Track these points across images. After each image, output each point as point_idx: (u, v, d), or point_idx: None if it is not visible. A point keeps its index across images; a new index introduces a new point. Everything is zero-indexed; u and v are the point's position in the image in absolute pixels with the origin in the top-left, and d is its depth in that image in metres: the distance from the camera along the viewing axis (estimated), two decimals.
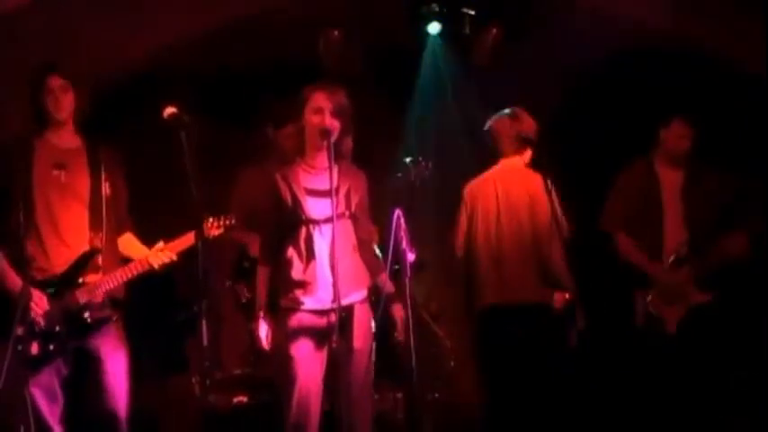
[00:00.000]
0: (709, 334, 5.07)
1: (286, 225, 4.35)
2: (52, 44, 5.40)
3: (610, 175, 5.51)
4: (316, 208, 4.31)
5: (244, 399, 5.53)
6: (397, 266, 4.46)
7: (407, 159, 5.20)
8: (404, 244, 4.38)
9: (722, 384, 5.09)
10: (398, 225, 4.39)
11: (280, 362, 4.31)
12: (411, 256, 4.46)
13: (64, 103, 4.38)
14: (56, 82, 4.36)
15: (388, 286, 4.49)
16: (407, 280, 4.37)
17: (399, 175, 5.28)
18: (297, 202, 4.31)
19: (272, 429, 5.34)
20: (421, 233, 5.29)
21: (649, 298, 5.18)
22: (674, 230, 5.21)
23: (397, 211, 4.44)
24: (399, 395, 5.73)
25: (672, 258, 5.17)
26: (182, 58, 6.11)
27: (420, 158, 5.26)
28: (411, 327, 4.34)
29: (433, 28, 6.54)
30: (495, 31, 6.43)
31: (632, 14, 6.01)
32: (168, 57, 6.00)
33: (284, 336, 4.29)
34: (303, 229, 4.31)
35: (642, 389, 5.17)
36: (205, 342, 4.07)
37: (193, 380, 5.51)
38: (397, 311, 4.50)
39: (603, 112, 6.31)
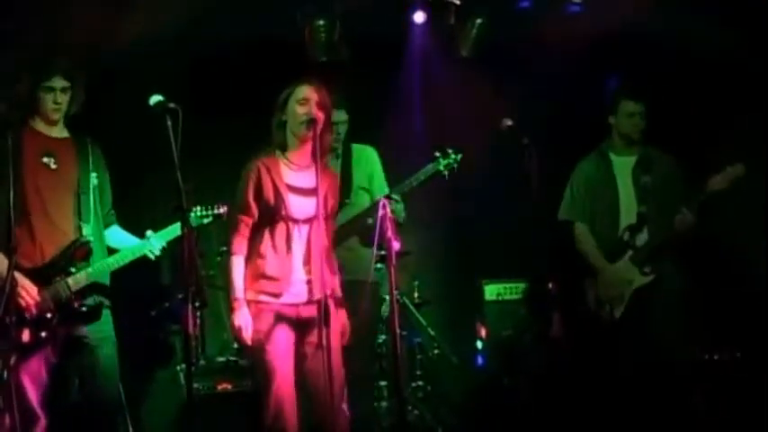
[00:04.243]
0: (650, 314, 5.18)
1: (266, 218, 4.36)
2: (39, 29, 5.38)
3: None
4: (298, 207, 4.32)
5: (228, 386, 5.54)
6: (382, 254, 4.48)
7: (437, 153, 5.24)
8: (389, 233, 4.39)
9: (667, 365, 5.16)
10: (384, 214, 4.40)
11: (256, 353, 4.33)
12: (396, 245, 4.47)
13: (63, 104, 4.39)
14: (59, 83, 4.36)
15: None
16: (392, 269, 4.39)
17: (429, 167, 5.31)
18: (280, 198, 4.31)
19: (256, 416, 5.37)
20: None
21: (598, 285, 5.32)
22: (629, 215, 5.32)
23: (383, 201, 4.45)
24: (383, 384, 5.76)
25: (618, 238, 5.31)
26: (167, 45, 6.09)
27: (451, 149, 5.28)
28: (396, 315, 4.36)
29: (419, 17, 6.55)
30: (480, 21, 6.44)
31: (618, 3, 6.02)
32: (153, 44, 5.98)
33: (258, 327, 4.30)
34: (283, 226, 4.32)
35: (594, 372, 5.31)
36: (191, 329, 4.07)
37: (178, 368, 5.52)
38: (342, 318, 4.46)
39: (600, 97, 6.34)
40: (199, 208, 4.68)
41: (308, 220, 4.29)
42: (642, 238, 5.28)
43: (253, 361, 4.50)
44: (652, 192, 5.32)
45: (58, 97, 4.36)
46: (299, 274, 4.30)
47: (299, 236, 4.32)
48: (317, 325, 4.23)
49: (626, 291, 5.24)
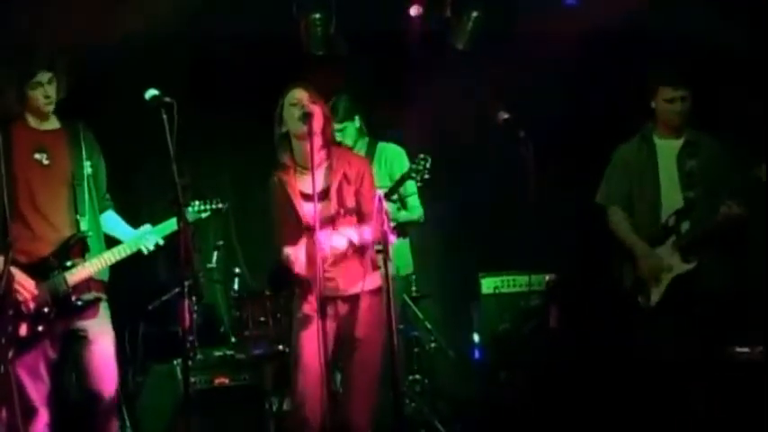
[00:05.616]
0: (689, 303, 5.06)
1: (292, 227, 4.40)
2: (31, 22, 5.36)
3: (606, 151, 5.52)
4: (310, 213, 4.31)
5: (225, 380, 5.55)
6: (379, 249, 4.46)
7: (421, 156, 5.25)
8: (385, 226, 4.39)
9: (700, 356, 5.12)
10: (380, 208, 4.39)
11: (291, 343, 4.45)
12: (392, 239, 4.46)
13: (52, 96, 4.37)
14: (44, 76, 4.34)
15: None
16: (388, 262, 4.39)
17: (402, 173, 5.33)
18: (294, 208, 4.37)
19: (253, 411, 5.39)
20: None
21: (637, 269, 5.17)
22: (671, 200, 5.18)
23: (378, 194, 4.45)
24: None
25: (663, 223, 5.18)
26: (164, 40, 6.09)
27: (421, 156, 5.27)
28: (393, 309, 4.36)
29: (414, 10, 6.53)
30: (476, 14, 6.44)
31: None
32: (150, 37, 5.97)
33: (295, 319, 4.42)
34: (307, 231, 4.34)
35: (626, 359, 5.23)
36: (187, 323, 4.09)
37: (174, 362, 5.52)
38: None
39: (596, 90, 6.33)
40: (197, 203, 4.68)
41: (325, 223, 4.30)
42: (687, 224, 5.11)
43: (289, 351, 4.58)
44: (699, 177, 5.15)
45: (47, 90, 4.35)
46: (329, 271, 4.34)
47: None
48: (350, 318, 4.36)
49: (665, 276, 5.10)
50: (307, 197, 4.36)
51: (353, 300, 4.38)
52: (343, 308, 4.40)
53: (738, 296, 5.34)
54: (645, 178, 5.25)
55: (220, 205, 4.77)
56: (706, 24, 5.90)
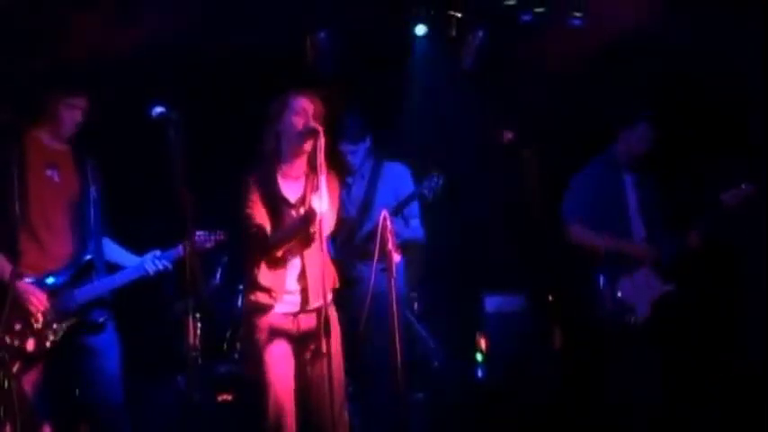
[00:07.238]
0: (677, 323, 5.18)
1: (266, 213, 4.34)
2: (37, 38, 5.39)
3: None
4: (290, 217, 4.31)
5: (228, 397, 5.55)
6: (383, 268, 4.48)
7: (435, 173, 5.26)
8: (390, 245, 4.40)
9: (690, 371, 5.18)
10: (384, 226, 4.41)
11: (253, 365, 4.35)
12: (397, 257, 4.48)
13: (79, 122, 4.43)
14: (82, 102, 4.40)
15: None
16: (393, 281, 4.40)
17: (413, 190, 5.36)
18: (276, 212, 4.32)
19: (256, 427, 5.38)
20: None
21: (620, 286, 5.23)
22: (637, 226, 5.34)
23: (384, 213, 4.46)
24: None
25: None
26: (167, 56, 6.11)
27: (434, 173, 5.29)
28: (397, 328, 4.37)
29: (420, 30, 6.57)
30: (481, 34, 6.46)
31: (619, 16, 6.04)
32: (155, 55, 5.99)
33: (255, 339, 4.31)
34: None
35: (611, 377, 5.26)
36: (191, 340, 4.10)
37: (179, 378, 5.53)
38: None
39: (589, 112, 6.36)
40: (201, 233, 4.69)
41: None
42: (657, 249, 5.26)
43: (252, 373, 4.47)
44: (654, 208, 5.36)
45: (79, 116, 4.39)
46: (294, 285, 4.31)
47: (294, 246, 4.31)
48: (315, 334, 4.27)
49: (647, 293, 5.20)
50: (289, 205, 4.34)
51: (317, 313, 4.28)
52: (306, 322, 4.33)
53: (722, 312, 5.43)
54: (614, 208, 5.36)
55: (222, 237, 4.79)
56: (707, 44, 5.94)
